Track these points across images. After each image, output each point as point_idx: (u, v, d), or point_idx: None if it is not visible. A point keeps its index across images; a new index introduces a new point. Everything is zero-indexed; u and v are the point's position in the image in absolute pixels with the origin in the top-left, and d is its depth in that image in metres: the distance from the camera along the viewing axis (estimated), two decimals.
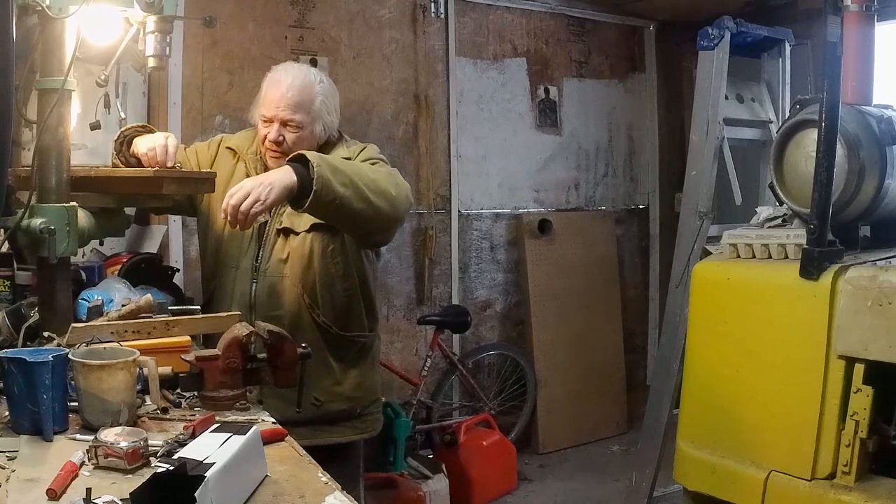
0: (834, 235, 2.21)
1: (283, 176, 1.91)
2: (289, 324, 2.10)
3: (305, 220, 2.17)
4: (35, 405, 1.44)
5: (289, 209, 2.13)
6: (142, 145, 2.04)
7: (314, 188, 1.87)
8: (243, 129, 2.43)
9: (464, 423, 3.99)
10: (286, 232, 2.19)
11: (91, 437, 1.38)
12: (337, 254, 2.20)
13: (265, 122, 2.20)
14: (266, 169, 2.20)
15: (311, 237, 2.18)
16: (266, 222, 2.21)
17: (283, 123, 2.17)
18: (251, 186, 1.89)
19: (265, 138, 2.20)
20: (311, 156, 1.93)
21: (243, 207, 1.86)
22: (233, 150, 2.32)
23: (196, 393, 1.70)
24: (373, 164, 2.19)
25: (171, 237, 3.53)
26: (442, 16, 4.44)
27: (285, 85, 2.17)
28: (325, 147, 2.25)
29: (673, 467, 2.63)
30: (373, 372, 2.37)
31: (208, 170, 2.28)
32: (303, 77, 2.21)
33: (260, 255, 2.20)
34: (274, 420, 1.65)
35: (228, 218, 1.89)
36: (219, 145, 2.37)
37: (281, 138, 2.17)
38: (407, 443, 3.70)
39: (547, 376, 4.66)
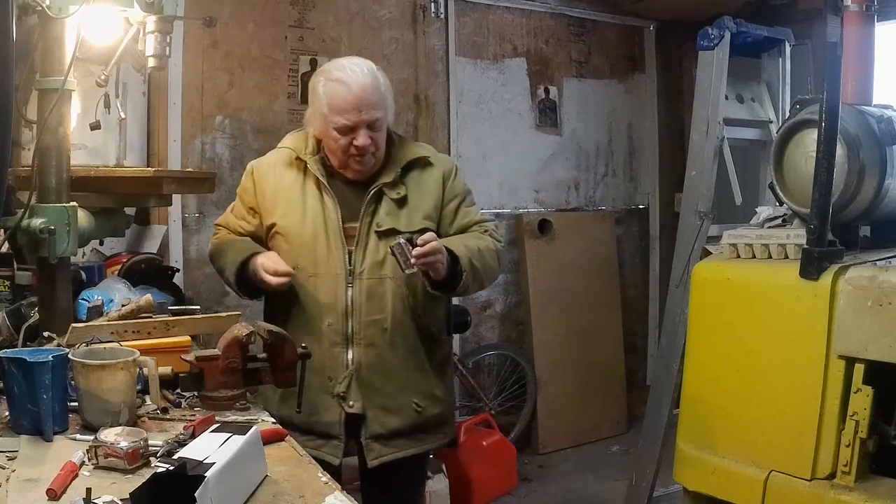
0: (834, 235, 2.20)
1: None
2: (391, 327, 2.05)
3: (414, 222, 2.08)
4: (35, 405, 1.44)
5: (382, 210, 2.07)
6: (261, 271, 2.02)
7: (457, 292, 2.09)
8: (271, 150, 2.23)
9: (464, 423, 3.98)
10: (388, 233, 2.05)
11: (91, 437, 1.38)
12: None
13: (344, 130, 2.02)
14: (330, 171, 2.10)
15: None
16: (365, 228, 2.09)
17: (369, 126, 2.02)
18: (440, 246, 1.96)
19: (349, 146, 2.02)
20: (463, 259, 2.02)
21: (431, 259, 1.93)
22: (292, 160, 2.14)
23: (196, 393, 1.71)
24: (483, 230, 2.19)
25: (171, 237, 3.52)
26: (442, 16, 4.43)
27: (357, 85, 2.02)
28: (389, 147, 2.14)
29: (673, 467, 2.63)
30: (453, 376, 2.39)
31: (273, 194, 2.13)
32: (366, 69, 2.09)
33: (353, 258, 2.05)
34: (273, 420, 1.65)
35: (419, 260, 1.91)
36: (252, 173, 2.18)
37: (369, 141, 2.02)
38: None
39: (547, 376, 4.66)
